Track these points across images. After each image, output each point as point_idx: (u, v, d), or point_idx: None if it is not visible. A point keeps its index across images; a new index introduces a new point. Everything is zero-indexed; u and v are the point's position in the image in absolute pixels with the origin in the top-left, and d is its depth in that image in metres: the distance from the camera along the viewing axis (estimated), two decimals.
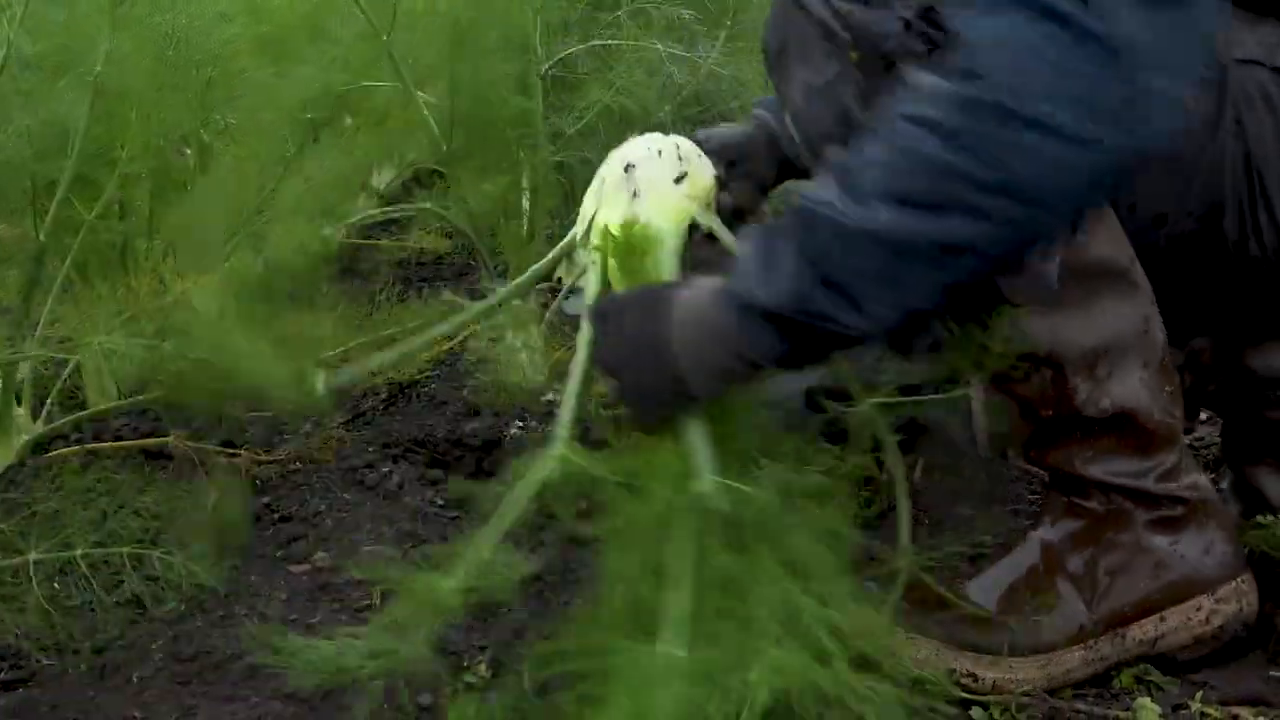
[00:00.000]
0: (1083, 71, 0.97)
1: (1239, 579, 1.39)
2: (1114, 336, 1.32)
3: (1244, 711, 1.30)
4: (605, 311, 1.25)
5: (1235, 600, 1.39)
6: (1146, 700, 1.32)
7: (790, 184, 1.57)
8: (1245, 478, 1.57)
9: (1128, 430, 1.34)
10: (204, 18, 2.27)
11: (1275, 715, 1.30)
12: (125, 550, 1.55)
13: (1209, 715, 1.29)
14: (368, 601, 1.61)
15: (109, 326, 1.86)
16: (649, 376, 1.18)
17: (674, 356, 1.16)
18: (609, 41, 2.20)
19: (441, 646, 1.51)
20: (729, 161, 1.53)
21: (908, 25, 1.10)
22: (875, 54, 1.11)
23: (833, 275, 1.06)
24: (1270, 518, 1.46)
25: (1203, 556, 1.37)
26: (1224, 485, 1.60)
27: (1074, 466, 1.36)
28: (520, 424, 2.05)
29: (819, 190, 1.08)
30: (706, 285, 1.17)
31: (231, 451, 1.95)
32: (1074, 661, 1.36)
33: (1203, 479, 1.40)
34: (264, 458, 1.93)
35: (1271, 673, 1.38)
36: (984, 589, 1.39)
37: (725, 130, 1.67)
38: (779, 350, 1.13)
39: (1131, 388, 1.33)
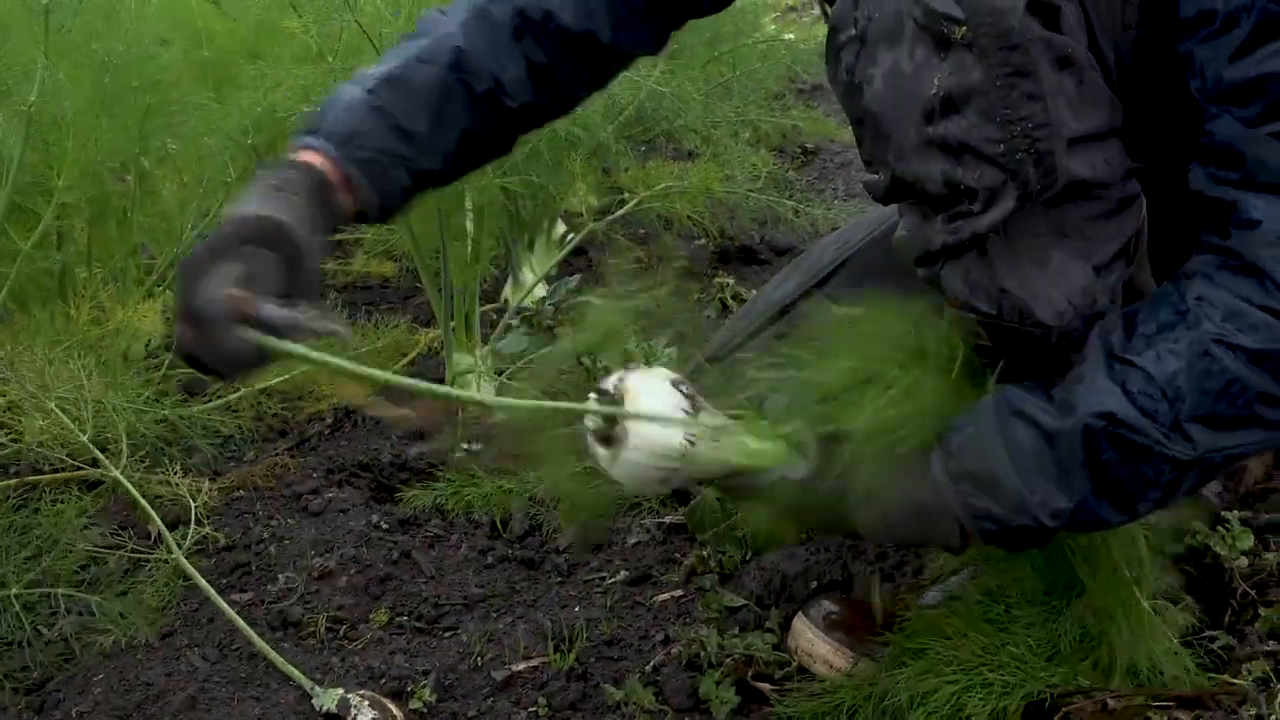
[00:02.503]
0: None
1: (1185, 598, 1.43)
2: None
3: None
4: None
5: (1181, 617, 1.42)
6: None
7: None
8: None
9: None
10: (143, 43, 2.26)
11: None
12: (60, 591, 1.54)
13: None
14: (312, 629, 1.60)
15: (47, 355, 1.84)
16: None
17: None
18: None
19: (384, 672, 1.51)
20: None
21: (1030, 5, 1.06)
22: (994, 32, 1.06)
23: (1120, 487, 1.10)
24: (1199, 525, 1.49)
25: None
26: None
27: None
28: (465, 446, 2.04)
29: (1113, 401, 1.08)
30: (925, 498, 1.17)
31: (176, 480, 1.93)
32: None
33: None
34: (207, 486, 1.91)
35: (1208, 675, 1.40)
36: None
37: None
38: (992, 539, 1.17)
39: None
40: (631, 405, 1.15)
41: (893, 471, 1.15)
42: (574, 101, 1.45)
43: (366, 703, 1.42)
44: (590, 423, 1.16)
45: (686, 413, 1.16)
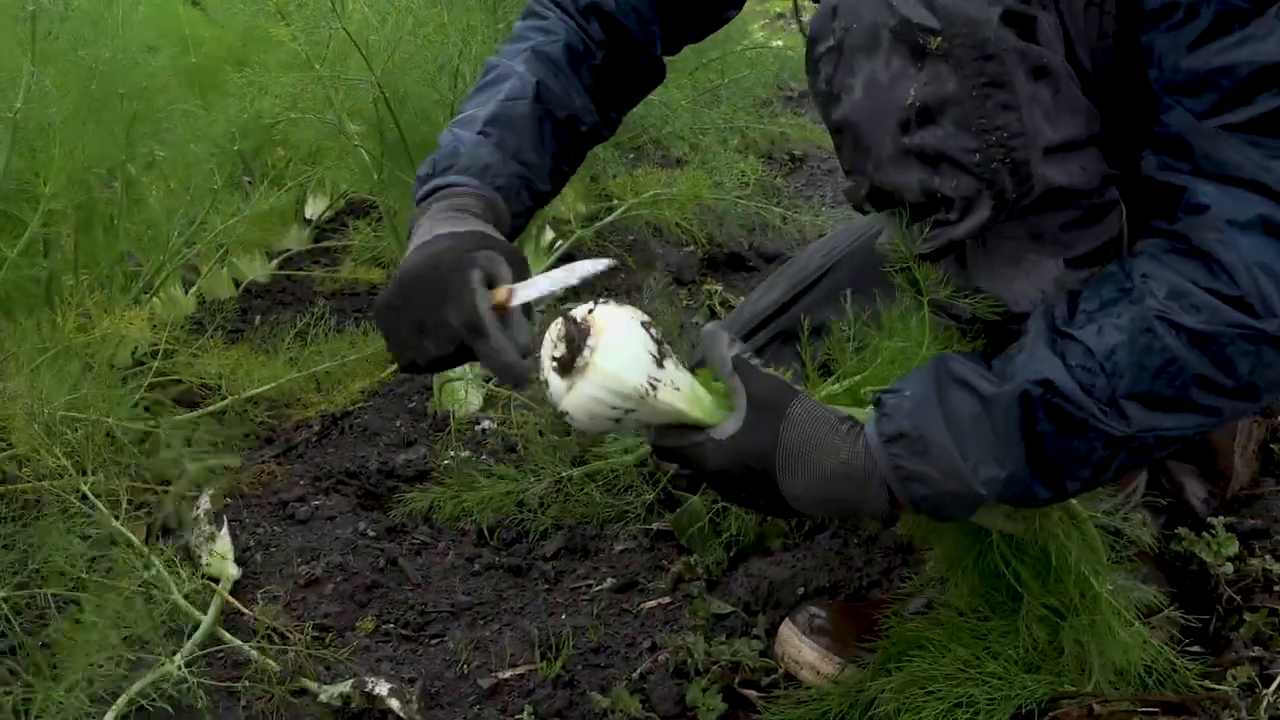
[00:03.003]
0: None
1: (1170, 607, 1.43)
2: None
3: None
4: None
5: (1167, 628, 1.42)
6: None
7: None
8: (1168, 480, 1.59)
9: None
10: (130, 50, 2.25)
11: None
12: (49, 591, 1.53)
13: None
14: (300, 636, 1.60)
15: (34, 362, 1.84)
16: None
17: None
18: None
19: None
20: None
21: (1005, 16, 1.07)
22: (969, 43, 1.07)
23: (1053, 461, 1.10)
24: (1185, 531, 1.49)
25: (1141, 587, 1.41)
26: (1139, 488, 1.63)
27: None
28: (453, 454, 2.04)
29: (1052, 370, 1.08)
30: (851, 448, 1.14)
31: (162, 488, 1.93)
32: None
33: (1146, 514, 1.44)
34: (194, 493, 1.90)
35: (1192, 681, 1.40)
36: None
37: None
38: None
39: None
40: (599, 339, 1.11)
41: (824, 431, 1.13)
42: (616, 121, 1.58)
43: (382, 678, 1.45)
44: (552, 348, 1.13)
45: (653, 356, 1.13)
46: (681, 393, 1.14)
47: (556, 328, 1.14)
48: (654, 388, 1.12)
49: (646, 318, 1.16)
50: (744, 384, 1.14)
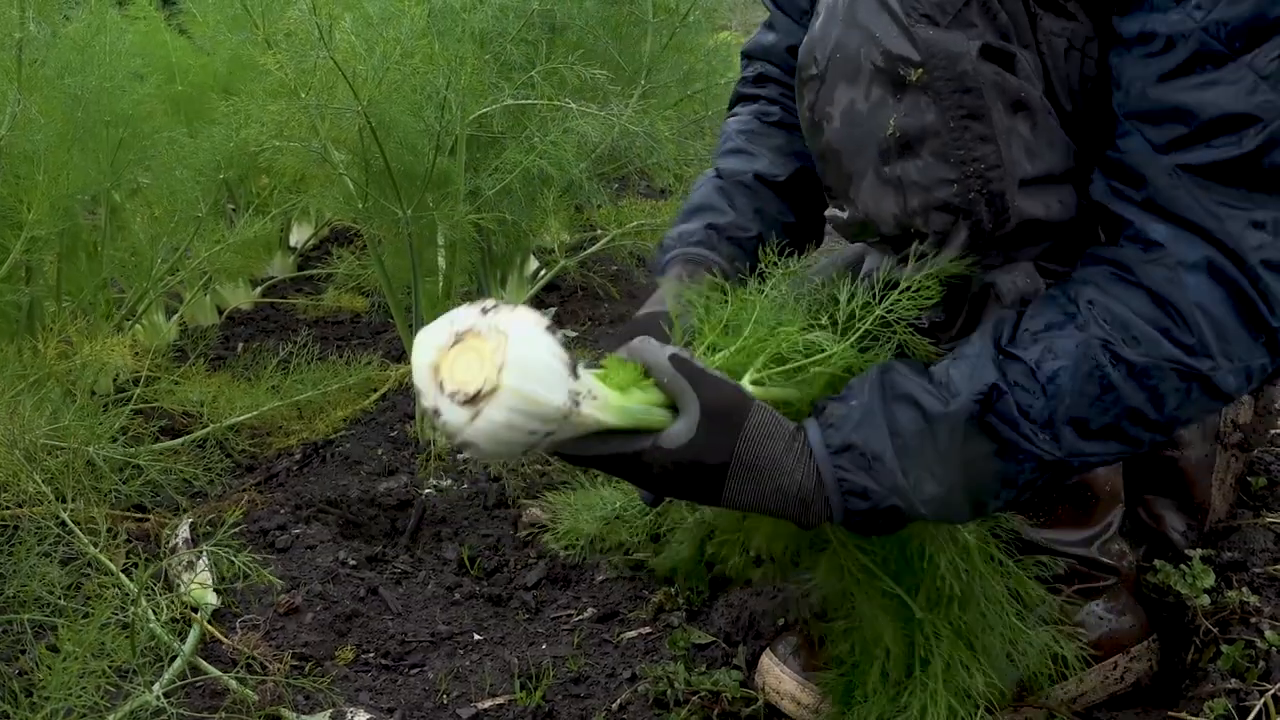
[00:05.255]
0: (1253, 350, 1.09)
1: (1150, 638, 1.44)
2: None
3: None
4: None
5: (1146, 658, 1.43)
6: None
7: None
8: (1147, 512, 1.60)
9: (1079, 499, 1.40)
10: (117, 78, 2.26)
11: None
12: (26, 617, 1.52)
13: None
14: (279, 666, 1.59)
15: (14, 389, 1.83)
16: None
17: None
18: (523, 101, 2.22)
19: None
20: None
21: (983, 50, 1.09)
22: (948, 75, 1.09)
23: (980, 480, 1.11)
24: (1162, 564, 1.50)
25: (1119, 618, 1.42)
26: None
27: (1023, 533, 1.40)
28: (435, 482, 2.04)
29: (993, 388, 1.09)
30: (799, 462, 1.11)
31: (140, 516, 1.92)
32: None
33: (1125, 545, 1.45)
34: (174, 521, 1.90)
35: (1169, 713, 1.41)
36: None
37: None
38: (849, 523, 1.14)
39: None
40: (504, 354, 0.95)
41: (779, 449, 1.09)
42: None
43: (361, 708, 1.44)
44: (444, 372, 0.96)
45: (567, 365, 0.98)
46: (600, 401, 1.02)
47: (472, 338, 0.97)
48: (577, 403, 0.98)
49: (548, 320, 1.00)
50: (693, 389, 1.08)
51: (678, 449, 1.07)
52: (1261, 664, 1.37)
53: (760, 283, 1.20)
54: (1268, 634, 1.39)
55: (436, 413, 0.97)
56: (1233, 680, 1.38)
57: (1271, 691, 1.33)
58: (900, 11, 1.11)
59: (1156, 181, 1.08)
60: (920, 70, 1.09)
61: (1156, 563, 1.49)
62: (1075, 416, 1.08)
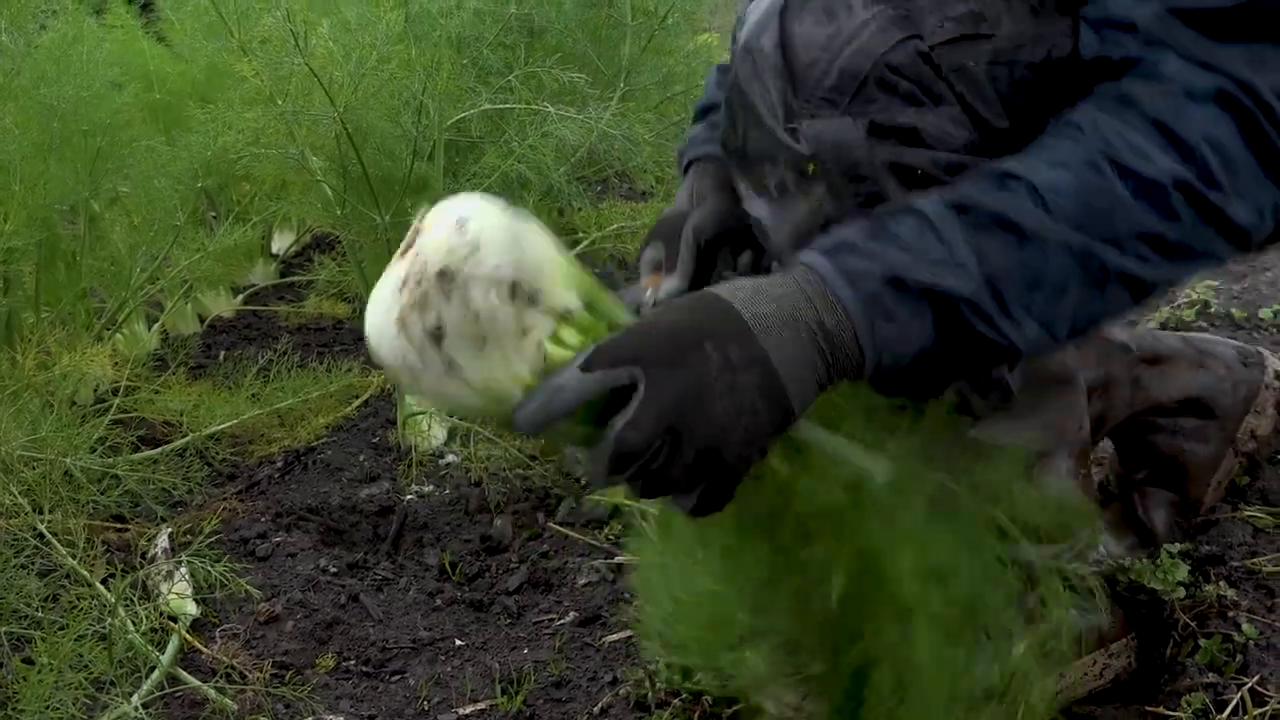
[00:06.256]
0: (1264, 187, 1.01)
1: (1129, 635, 1.44)
2: (1056, 438, 1.37)
3: None
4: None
5: (1125, 655, 1.43)
6: None
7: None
8: (1135, 506, 1.61)
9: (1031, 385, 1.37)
10: (94, 87, 2.26)
11: None
12: (4, 629, 1.52)
13: None
14: (259, 675, 1.59)
15: None
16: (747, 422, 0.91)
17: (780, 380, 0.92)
18: (501, 106, 2.22)
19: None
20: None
21: (871, 130, 1.04)
22: (840, 167, 1.05)
23: (1000, 277, 0.97)
24: (1133, 561, 1.50)
25: (1100, 615, 1.41)
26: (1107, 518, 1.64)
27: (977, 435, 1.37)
28: (416, 488, 2.04)
29: (989, 191, 0.97)
30: (778, 284, 0.95)
31: (119, 526, 1.92)
32: None
33: (1105, 548, 1.45)
34: (153, 531, 1.89)
35: (1148, 708, 1.41)
36: None
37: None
38: (925, 343, 0.96)
39: (1059, 477, 1.37)
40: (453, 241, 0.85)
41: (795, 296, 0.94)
42: None
43: (341, 716, 1.43)
44: (412, 309, 0.85)
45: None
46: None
47: (405, 269, 0.84)
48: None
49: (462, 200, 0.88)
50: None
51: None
52: (1239, 657, 1.37)
53: None
54: (1245, 627, 1.40)
55: (422, 361, 0.85)
56: (1210, 674, 1.38)
57: (1249, 685, 1.33)
58: (794, 105, 1.09)
59: (1150, 27, 1.01)
60: (814, 164, 1.08)
61: (1127, 560, 1.49)
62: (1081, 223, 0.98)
